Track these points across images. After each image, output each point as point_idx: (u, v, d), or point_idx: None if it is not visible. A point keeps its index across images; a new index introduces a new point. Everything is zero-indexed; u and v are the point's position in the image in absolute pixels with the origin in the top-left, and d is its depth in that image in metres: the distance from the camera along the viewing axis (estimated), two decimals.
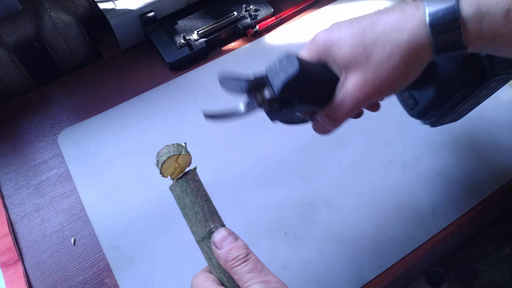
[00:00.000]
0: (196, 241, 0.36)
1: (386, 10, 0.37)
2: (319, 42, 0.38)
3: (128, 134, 0.64)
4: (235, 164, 0.60)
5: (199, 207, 0.36)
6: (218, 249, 0.35)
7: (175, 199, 0.37)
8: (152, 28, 0.72)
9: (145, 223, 0.56)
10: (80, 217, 0.57)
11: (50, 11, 0.66)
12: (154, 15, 0.71)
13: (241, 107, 0.39)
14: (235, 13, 0.73)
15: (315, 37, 0.39)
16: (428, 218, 0.55)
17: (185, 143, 0.38)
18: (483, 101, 0.49)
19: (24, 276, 0.52)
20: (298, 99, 0.37)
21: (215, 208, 0.37)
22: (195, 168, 0.38)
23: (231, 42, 0.74)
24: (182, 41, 0.70)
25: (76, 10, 0.71)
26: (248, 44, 0.73)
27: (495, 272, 0.95)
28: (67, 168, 0.61)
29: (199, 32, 0.71)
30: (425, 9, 0.34)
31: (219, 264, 0.35)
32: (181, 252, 0.54)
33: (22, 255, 0.54)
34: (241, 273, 0.33)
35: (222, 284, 0.36)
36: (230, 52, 0.72)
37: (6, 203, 0.58)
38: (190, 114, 0.65)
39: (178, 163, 0.39)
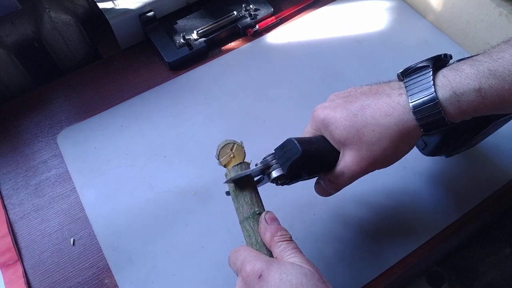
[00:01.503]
0: (240, 220, 0.42)
1: (374, 92, 0.42)
2: (319, 119, 0.44)
3: (127, 134, 0.64)
4: None
5: (247, 192, 0.42)
6: (268, 224, 0.39)
7: (228, 184, 0.43)
8: (151, 27, 0.72)
9: (144, 224, 0.56)
10: (79, 217, 0.57)
11: (49, 11, 0.66)
12: (154, 14, 0.70)
13: (257, 177, 0.45)
14: (235, 12, 0.73)
15: (315, 114, 0.44)
16: (428, 218, 0.55)
17: (241, 142, 0.45)
18: (494, 131, 0.50)
19: (24, 277, 0.52)
20: (304, 172, 0.43)
21: (260, 196, 0.43)
22: (249, 162, 0.44)
23: (231, 41, 0.74)
24: (182, 40, 0.70)
25: (76, 10, 0.71)
26: (248, 44, 0.73)
27: (496, 273, 0.95)
28: (67, 168, 0.61)
29: (199, 32, 0.71)
30: (407, 98, 0.39)
31: (257, 241, 0.40)
32: (181, 252, 0.54)
33: (22, 255, 0.54)
34: (284, 248, 0.37)
35: None
36: (230, 52, 0.72)
37: (6, 203, 0.58)
38: (190, 114, 0.65)
39: (233, 153, 0.45)
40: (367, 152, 0.41)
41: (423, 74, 0.39)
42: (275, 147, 0.43)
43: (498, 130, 0.55)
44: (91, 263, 0.54)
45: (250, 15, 0.74)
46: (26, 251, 0.54)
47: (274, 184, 0.43)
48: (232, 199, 0.43)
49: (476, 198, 0.57)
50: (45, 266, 0.53)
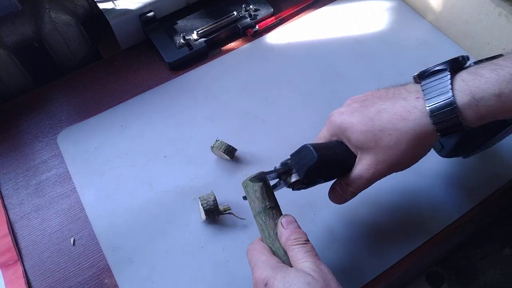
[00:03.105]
0: (254, 214, 0.43)
1: (390, 95, 0.42)
2: (336, 124, 0.44)
3: (127, 134, 0.64)
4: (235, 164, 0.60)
5: (258, 187, 0.43)
6: (284, 228, 0.41)
7: (243, 185, 0.45)
8: (151, 28, 0.72)
9: (144, 223, 0.56)
10: (79, 217, 0.57)
11: (49, 11, 0.66)
12: (154, 15, 0.71)
13: (275, 185, 0.46)
14: (235, 13, 0.73)
15: (332, 118, 0.45)
16: (428, 218, 0.55)
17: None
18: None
19: (24, 276, 0.52)
20: (321, 177, 0.44)
21: (272, 191, 0.44)
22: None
23: (231, 42, 0.74)
24: (182, 41, 0.70)
25: (76, 10, 0.71)
26: (248, 44, 0.73)
27: (495, 272, 0.95)
28: (67, 168, 0.61)
29: (199, 32, 0.71)
30: (424, 101, 0.38)
31: (269, 235, 0.42)
32: (181, 252, 0.54)
33: (22, 255, 0.54)
34: (298, 251, 0.39)
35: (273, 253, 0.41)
36: (230, 52, 0.72)
37: (6, 203, 0.58)
38: (190, 114, 0.65)
39: None
40: (385, 156, 0.41)
41: (441, 77, 0.38)
42: (291, 153, 0.44)
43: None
44: (91, 263, 0.54)
45: (250, 15, 0.74)
46: (26, 251, 0.55)
47: (291, 189, 0.44)
48: (246, 196, 0.44)
49: (476, 198, 0.57)
50: (45, 266, 0.53)
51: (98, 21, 0.73)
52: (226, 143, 0.58)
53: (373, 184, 0.58)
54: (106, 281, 0.52)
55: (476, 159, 0.59)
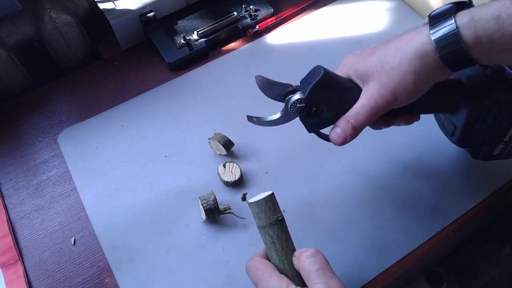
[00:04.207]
0: (262, 226, 0.42)
1: (398, 36, 0.43)
2: (347, 61, 0.46)
3: (128, 134, 0.64)
4: None
5: (270, 198, 0.42)
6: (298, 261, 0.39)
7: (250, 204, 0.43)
8: (152, 28, 0.72)
9: (145, 223, 0.56)
10: (80, 217, 0.57)
11: (50, 11, 0.66)
12: (154, 15, 0.71)
13: (278, 115, 0.46)
14: (235, 13, 0.73)
15: (345, 60, 0.46)
16: (428, 218, 0.55)
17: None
18: None
19: (24, 276, 0.52)
20: (325, 104, 0.43)
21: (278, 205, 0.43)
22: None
23: (231, 42, 0.74)
24: (182, 41, 0.71)
25: (76, 10, 0.71)
26: (248, 44, 0.73)
27: (495, 272, 0.95)
28: (67, 168, 0.61)
29: (199, 32, 0.71)
30: (429, 28, 0.40)
31: (281, 249, 0.41)
32: (181, 252, 0.54)
33: (22, 255, 0.54)
34: (309, 270, 0.38)
35: (281, 271, 0.40)
36: (230, 52, 0.72)
37: (6, 203, 0.58)
38: (190, 114, 0.65)
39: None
40: (387, 79, 0.41)
41: (445, 10, 0.40)
42: (301, 78, 0.44)
43: None
44: (92, 263, 0.54)
45: (250, 15, 0.74)
46: (27, 251, 0.55)
47: (294, 113, 0.44)
48: (252, 210, 0.42)
49: (476, 198, 0.57)
50: (46, 265, 0.54)
51: (98, 21, 0.73)
52: (225, 136, 0.58)
53: (373, 184, 0.59)
54: (106, 280, 0.52)
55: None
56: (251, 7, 0.74)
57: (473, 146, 0.52)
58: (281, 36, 0.74)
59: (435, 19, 0.39)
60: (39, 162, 0.62)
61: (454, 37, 0.38)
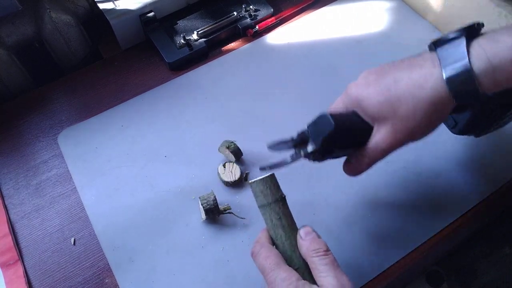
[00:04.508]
0: (266, 204, 0.42)
1: (406, 65, 0.41)
2: (352, 96, 0.44)
3: (128, 134, 0.64)
4: None
5: (272, 177, 0.43)
6: (303, 239, 0.40)
7: (250, 183, 0.44)
8: (152, 28, 0.72)
9: (145, 223, 0.56)
10: (80, 217, 0.57)
11: (50, 11, 0.66)
12: (154, 15, 0.71)
13: (289, 158, 0.45)
14: (235, 13, 0.73)
15: (348, 90, 0.45)
16: (428, 218, 0.55)
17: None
18: None
19: (24, 276, 0.52)
20: (337, 147, 0.44)
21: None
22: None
23: (231, 42, 0.74)
24: (182, 41, 0.71)
25: (76, 10, 0.71)
26: (248, 44, 0.73)
27: (495, 272, 0.95)
28: (67, 168, 0.61)
29: (199, 32, 0.71)
30: (441, 68, 0.38)
31: (287, 224, 0.42)
32: (181, 252, 0.54)
33: (22, 255, 0.54)
34: (319, 263, 0.38)
35: (287, 258, 0.41)
36: (230, 52, 0.72)
37: (6, 203, 0.58)
38: (190, 114, 0.66)
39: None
40: (402, 125, 0.40)
41: (457, 44, 0.38)
42: (308, 123, 0.44)
43: (498, 130, 0.56)
44: (92, 263, 0.54)
45: (250, 15, 0.74)
46: (27, 251, 0.55)
47: (307, 159, 0.44)
48: (253, 192, 0.43)
49: (476, 198, 0.57)
50: (46, 265, 0.54)
51: (98, 21, 0.73)
52: (238, 147, 0.58)
53: (373, 184, 0.59)
54: (106, 280, 0.52)
55: (475, 159, 0.59)
56: (251, 7, 0.74)
57: (470, 134, 0.52)
58: (281, 36, 0.74)
59: (447, 57, 0.38)
60: (39, 162, 0.62)
61: (472, 86, 0.36)
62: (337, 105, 0.46)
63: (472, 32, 0.38)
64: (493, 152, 0.60)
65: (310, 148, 0.43)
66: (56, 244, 0.55)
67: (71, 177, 0.60)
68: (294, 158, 0.44)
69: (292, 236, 0.41)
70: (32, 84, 0.72)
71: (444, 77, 0.37)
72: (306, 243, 0.40)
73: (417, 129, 0.41)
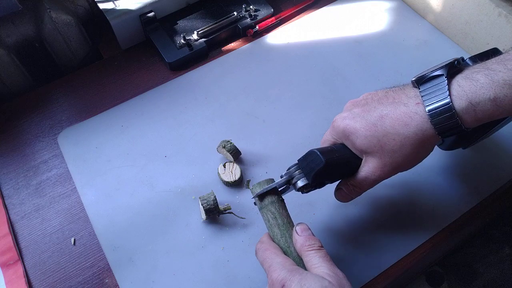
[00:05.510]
0: (263, 206, 0.45)
1: (390, 101, 0.43)
2: (339, 129, 0.46)
3: (128, 134, 0.64)
4: None
5: (269, 181, 0.46)
6: (298, 235, 0.42)
7: (250, 189, 0.47)
8: (152, 28, 0.72)
9: (145, 223, 0.56)
10: (80, 217, 0.57)
11: (50, 11, 0.66)
12: (154, 15, 0.71)
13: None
14: (235, 13, 0.73)
15: (335, 124, 0.47)
16: (428, 218, 0.55)
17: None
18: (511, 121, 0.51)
19: (24, 276, 0.52)
20: (327, 180, 0.46)
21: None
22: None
23: (231, 42, 0.74)
24: (182, 41, 0.71)
25: (76, 10, 0.71)
26: (248, 44, 0.73)
27: (495, 272, 0.95)
28: (67, 168, 0.61)
29: (199, 32, 0.71)
30: (424, 107, 0.40)
31: (283, 223, 0.44)
32: (181, 252, 0.54)
33: (22, 255, 0.54)
34: (313, 256, 0.40)
35: (285, 252, 0.43)
36: (230, 52, 0.72)
37: (6, 203, 0.58)
38: (190, 114, 0.66)
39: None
40: (390, 159, 0.43)
41: (438, 83, 0.40)
42: (298, 158, 0.46)
43: (498, 130, 0.56)
44: (92, 263, 0.54)
45: (250, 15, 0.74)
46: (27, 251, 0.55)
47: (300, 192, 0.46)
48: (253, 187, 0.46)
49: (476, 198, 0.57)
50: (46, 265, 0.54)
51: (98, 21, 0.73)
52: (235, 146, 0.58)
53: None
54: (106, 280, 0.52)
55: (475, 159, 0.59)
56: (251, 7, 0.74)
57: (459, 147, 0.55)
58: (281, 36, 0.74)
59: (429, 96, 0.40)
60: (39, 162, 0.62)
61: (455, 124, 0.39)
62: (326, 137, 0.49)
63: (452, 69, 0.41)
64: (493, 151, 0.60)
65: (302, 182, 0.45)
66: (56, 244, 0.55)
67: (71, 177, 0.60)
68: (286, 191, 0.48)
69: (287, 234, 0.44)
70: (32, 84, 0.72)
71: (428, 115, 0.40)
72: (301, 239, 0.42)
73: (404, 162, 0.43)
